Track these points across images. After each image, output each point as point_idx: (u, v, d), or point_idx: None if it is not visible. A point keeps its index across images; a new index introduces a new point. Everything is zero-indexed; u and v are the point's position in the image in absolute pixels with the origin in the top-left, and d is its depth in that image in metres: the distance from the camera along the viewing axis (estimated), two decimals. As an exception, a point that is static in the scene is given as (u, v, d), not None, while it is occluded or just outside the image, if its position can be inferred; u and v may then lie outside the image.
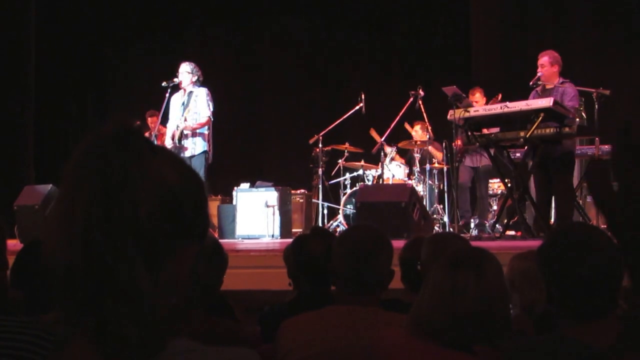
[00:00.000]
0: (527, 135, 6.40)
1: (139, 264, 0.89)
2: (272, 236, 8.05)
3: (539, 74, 6.73)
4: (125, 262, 0.89)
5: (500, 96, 7.62)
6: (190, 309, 2.12)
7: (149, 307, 0.90)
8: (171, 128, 7.33)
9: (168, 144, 7.16)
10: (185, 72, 7.28)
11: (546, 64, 6.68)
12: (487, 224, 7.85)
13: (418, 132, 8.83)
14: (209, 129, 7.34)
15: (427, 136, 8.57)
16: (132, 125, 0.96)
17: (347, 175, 9.04)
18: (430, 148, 8.50)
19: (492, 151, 6.99)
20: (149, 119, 8.86)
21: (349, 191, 8.74)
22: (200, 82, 7.37)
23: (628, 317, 1.85)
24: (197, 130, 7.26)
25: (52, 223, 0.93)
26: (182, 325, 0.98)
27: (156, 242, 0.91)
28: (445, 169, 8.48)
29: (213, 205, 8.59)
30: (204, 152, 7.24)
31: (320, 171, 8.74)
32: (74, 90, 11.58)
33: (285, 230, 8.15)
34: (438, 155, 8.62)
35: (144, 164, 0.92)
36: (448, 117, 7.02)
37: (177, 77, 7.31)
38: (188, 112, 7.19)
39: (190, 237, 0.97)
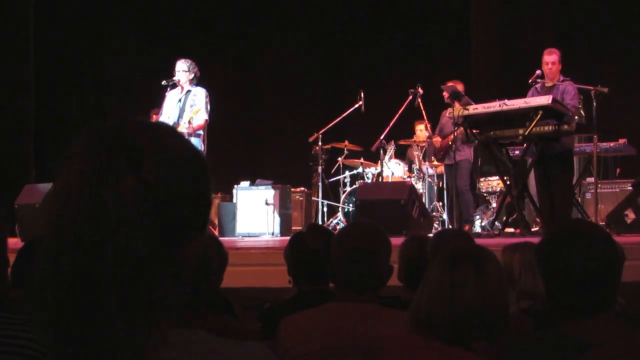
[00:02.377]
0: (526, 133, 6.41)
1: (123, 269, 0.86)
2: (272, 234, 8.06)
3: (538, 72, 6.73)
4: (108, 267, 0.85)
5: None
6: (192, 306, 2.13)
7: (133, 320, 0.86)
8: None
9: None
10: (182, 71, 7.28)
11: (557, 62, 6.70)
12: (471, 218, 7.87)
13: (423, 132, 8.81)
14: (203, 129, 7.36)
15: (427, 134, 8.57)
16: (129, 124, 0.94)
17: (347, 173, 9.04)
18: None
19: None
20: (154, 117, 8.87)
21: (348, 189, 8.75)
22: (198, 79, 7.37)
23: (626, 313, 1.86)
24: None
25: (42, 222, 0.90)
26: (190, 320, 0.97)
27: (150, 244, 0.88)
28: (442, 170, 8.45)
29: (213, 204, 8.59)
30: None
31: (319, 169, 8.75)
32: (75, 89, 11.57)
33: (285, 228, 8.16)
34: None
35: (138, 164, 0.90)
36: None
37: (175, 75, 7.32)
38: (190, 114, 7.20)
39: (190, 236, 0.94)
